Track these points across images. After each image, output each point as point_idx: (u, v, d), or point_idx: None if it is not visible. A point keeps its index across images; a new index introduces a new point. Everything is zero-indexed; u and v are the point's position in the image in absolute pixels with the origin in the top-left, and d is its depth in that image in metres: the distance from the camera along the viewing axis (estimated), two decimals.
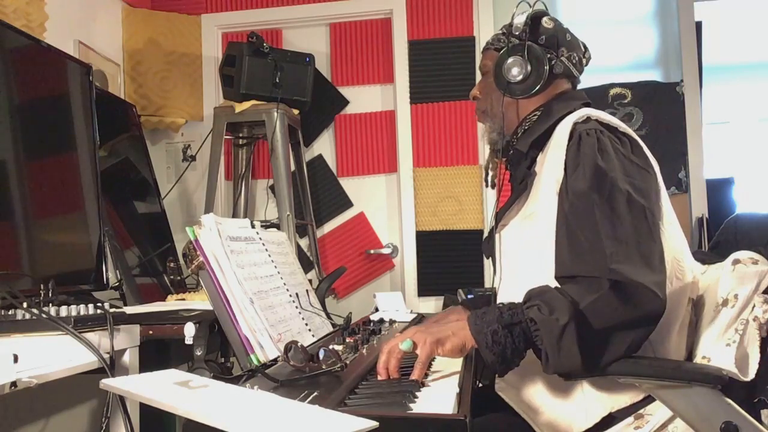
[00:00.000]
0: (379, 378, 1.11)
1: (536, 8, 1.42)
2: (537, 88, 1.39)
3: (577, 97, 1.43)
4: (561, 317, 1.08)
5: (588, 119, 1.29)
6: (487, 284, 2.96)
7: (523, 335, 1.11)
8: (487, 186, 1.60)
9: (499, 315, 1.12)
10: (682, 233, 1.31)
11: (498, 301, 1.36)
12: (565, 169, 1.24)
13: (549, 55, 1.40)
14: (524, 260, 1.32)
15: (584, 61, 1.49)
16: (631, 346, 1.13)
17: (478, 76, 3.21)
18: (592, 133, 1.25)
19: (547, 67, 1.39)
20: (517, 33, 1.40)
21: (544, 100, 1.42)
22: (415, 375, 1.08)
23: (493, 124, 1.50)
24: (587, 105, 1.40)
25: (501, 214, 1.42)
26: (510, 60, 1.40)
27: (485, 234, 2.98)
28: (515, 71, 1.39)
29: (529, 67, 1.38)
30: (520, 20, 1.40)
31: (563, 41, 1.44)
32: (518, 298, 1.18)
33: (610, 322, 1.10)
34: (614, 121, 1.31)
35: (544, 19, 1.43)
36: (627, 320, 1.11)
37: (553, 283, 1.19)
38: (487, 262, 2.98)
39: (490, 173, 1.58)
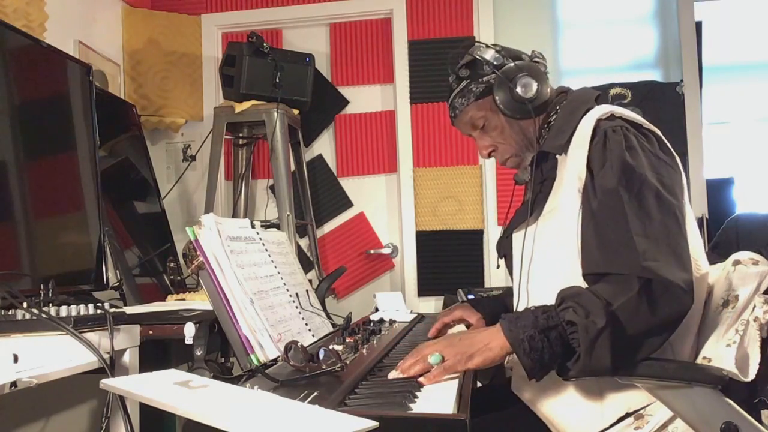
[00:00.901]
0: (392, 374, 1.12)
1: (476, 42, 1.44)
2: (549, 93, 1.38)
3: (588, 92, 1.42)
4: (598, 320, 1.07)
5: (612, 116, 1.28)
6: (487, 284, 2.96)
7: (560, 339, 1.10)
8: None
9: (534, 320, 1.11)
10: (698, 233, 1.29)
11: (515, 299, 1.36)
12: (590, 167, 1.23)
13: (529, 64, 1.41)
14: (543, 257, 1.30)
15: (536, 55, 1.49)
16: (657, 348, 1.12)
17: None
18: (618, 130, 1.23)
19: (544, 73, 1.39)
20: (495, 63, 1.40)
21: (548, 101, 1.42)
22: (427, 378, 1.09)
23: (531, 152, 1.43)
24: (597, 99, 1.39)
25: (519, 213, 1.41)
26: (516, 82, 1.36)
27: (486, 233, 3.00)
28: (524, 90, 1.36)
29: (535, 82, 1.36)
30: (488, 53, 1.41)
31: (514, 52, 1.45)
32: (535, 295, 1.17)
33: (643, 322, 1.09)
34: (638, 118, 1.30)
35: (483, 47, 1.44)
36: (657, 321, 1.09)
37: (573, 279, 1.19)
38: (488, 262, 2.98)
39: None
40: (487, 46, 1.43)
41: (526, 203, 1.42)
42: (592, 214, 1.19)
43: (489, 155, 1.48)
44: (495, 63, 1.40)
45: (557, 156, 1.35)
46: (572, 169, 1.26)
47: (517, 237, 1.38)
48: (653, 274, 1.08)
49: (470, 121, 1.46)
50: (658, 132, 1.30)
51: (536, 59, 1.44)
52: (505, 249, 1.47)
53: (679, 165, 1.29)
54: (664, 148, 1.28)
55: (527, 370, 1.11)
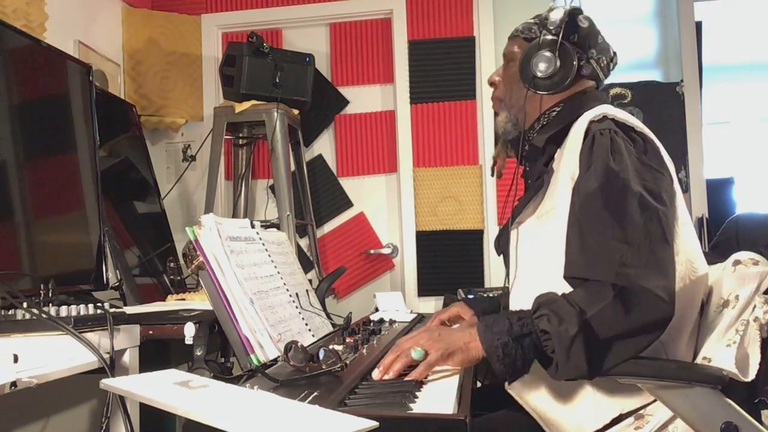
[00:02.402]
0: (375, 374, 1.12)
1: (573, 5, 1.40)
2: (562, 86, 1.37)
3: (598, 97, 1.41)
4: (570, 328, 1.08)
5: (604, 118, 1.27)
6: (488, 284, 2.97)
7: (533, 346, 1.11)
8: (492, 175, 1.59)
9: (509, 326, 1.12)
10: (695, 234, 1.28)
11: (512, 299, 1.36)
12: (580, 168, 1.23)
13: (579, 55, 1.38)
14: (540, 258, 1.30)
15: (611, 65, 1.47)
16: (637, 352, 1.12)
17: (479, 76, 3.17)
18: (605, 134, 1.23)
19: (575, 67, 1.36)
20: (552, 28, 1.37)
21: (565, 97, 1.41)
22: (414, 375, 1.09)
23: (509, 114, 1.47)
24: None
25: (517, 211, 1.40)
26: (540, 54, 1.36)
27: (486, 233, 3.00)
28: (543, 66, 1.36)
29: (558, 64, 1.35)
30: (556, 15, 1.37)
31: (594, 42, 1.42)
32: (531, 295, 1.17)
33: (616, 330, 1.09)
34: (630, 120, 1.29)
35: (580, 17, 1.40)
36: (633, 328, 1.10)
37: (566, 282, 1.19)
38: (488, 262, 2.98)
39: (498, 162, 1.54)
40: (566, 12, 1.39)
41: (524, 199, 1.42)
42: (576, 217, 1.20)
43: (491, 85, 1.55)
44: (549, 26, 1.38)
45: (554, 155, 1.35)
46: (566, 169, 1.26)
47: (515, 234, 1.38)
48: (629, 282, 1.09)
49: (510, 50, 1.51)
50: (651, 135, 1.29)
51: (599, 56, 1.41)
52: (503, 246, 1.48)
53: (669, 170, 1.28)
54: (652, 151, 1.27)
55: (499, 375, 1.13)
